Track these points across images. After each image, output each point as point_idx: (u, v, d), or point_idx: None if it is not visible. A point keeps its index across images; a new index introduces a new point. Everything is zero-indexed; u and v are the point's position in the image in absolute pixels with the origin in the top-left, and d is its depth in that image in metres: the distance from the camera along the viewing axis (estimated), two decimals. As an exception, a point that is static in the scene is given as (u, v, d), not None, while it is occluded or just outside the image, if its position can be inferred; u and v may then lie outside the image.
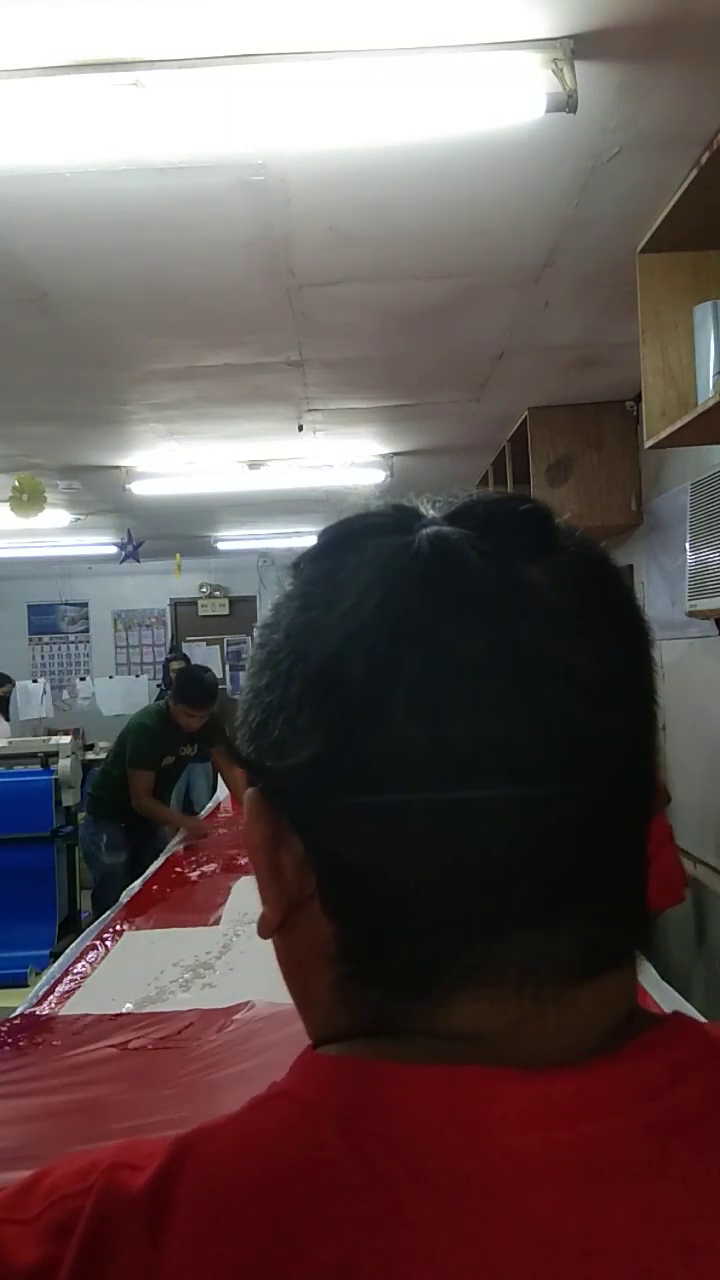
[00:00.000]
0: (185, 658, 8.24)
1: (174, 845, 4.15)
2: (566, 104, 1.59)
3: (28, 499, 4.31)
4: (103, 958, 2.69)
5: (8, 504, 4.45)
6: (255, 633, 0.44)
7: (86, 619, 9.42)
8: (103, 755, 5.35)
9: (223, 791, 5.29)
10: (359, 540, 0.40)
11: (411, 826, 0.36)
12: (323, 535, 0.43)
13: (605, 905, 0.39)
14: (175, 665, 7.90)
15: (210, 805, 5.10)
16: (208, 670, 4.63)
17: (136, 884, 3.51)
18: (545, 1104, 0.35)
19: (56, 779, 4.96)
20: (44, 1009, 2.31)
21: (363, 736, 0.36)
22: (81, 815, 4.83)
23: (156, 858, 4.12)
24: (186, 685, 4.35)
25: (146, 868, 3.87)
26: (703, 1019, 0.43)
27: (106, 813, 4.43)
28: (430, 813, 0.35)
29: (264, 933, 0.42)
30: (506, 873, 0.36)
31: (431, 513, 0.42)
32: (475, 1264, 0.33)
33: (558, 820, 0.36)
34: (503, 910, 0.37)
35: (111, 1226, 0.37)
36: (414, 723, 0.35)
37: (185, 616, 9.43)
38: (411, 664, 0.36)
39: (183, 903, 3.25)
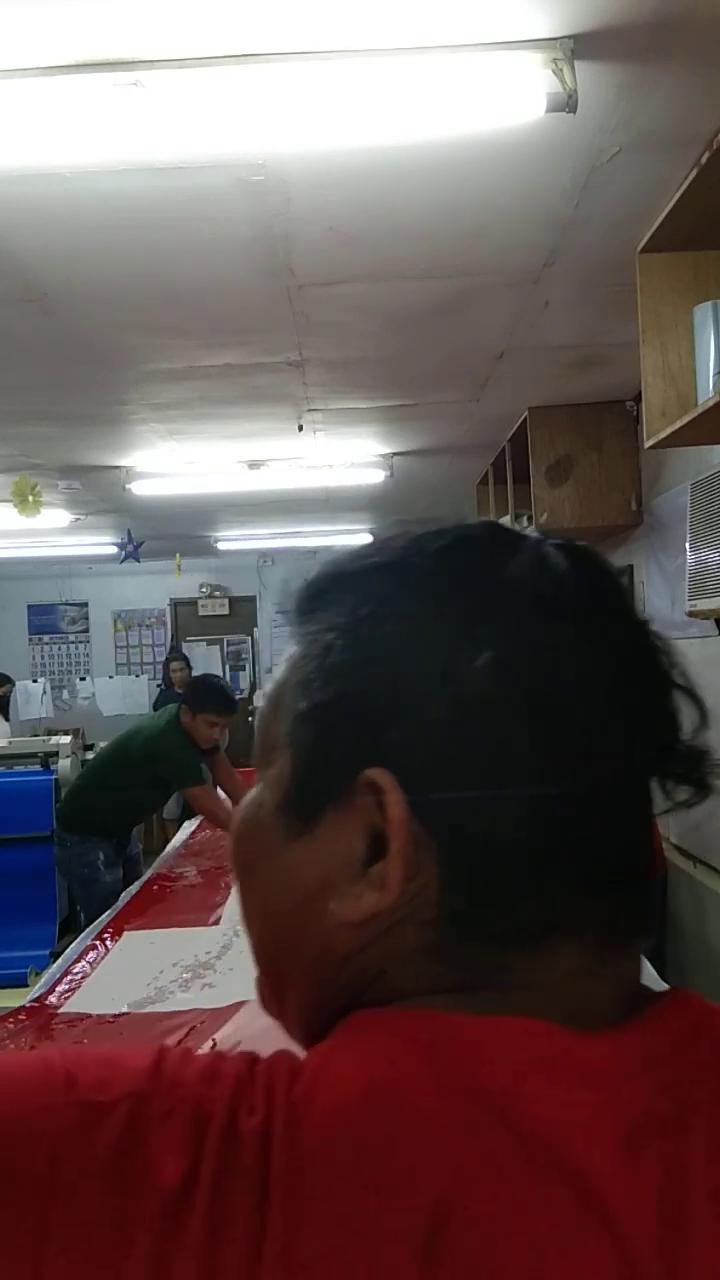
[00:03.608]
0: (185, 658, 8.24)
1: (160, 862, 3.97)
2: (566, 104, 1.59)
3: (21, 501, 4.30)
4: (103, 958, 2.69)
5: (8, 504, 4.45)
6: (336, 635, 0.45)
7: (86, 619, 9.42)
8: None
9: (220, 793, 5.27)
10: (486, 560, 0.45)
11: (544, 808, 0.41)
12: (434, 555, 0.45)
13: (643, 874, 0.45)
14: (175, 665, 7.91)
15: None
16: (220, 678, 4.51)
17: (134, 887, 3.50)
18: (601, 1062, 0.40)
19: (56, 779, 4.97)
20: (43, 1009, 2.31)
21: (516, 740, 0.41)
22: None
23: (138, 870, 3.98)
24: (209, 693, 4.02)
25: (132, 882, 3.73)
26: None
27: (95, 829, 4.05)
28: (559, 795, 0.41)
29: (381, 903, 0.42)
30: (603, 841, 0.42)
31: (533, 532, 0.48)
32: (541, 1213, 0.36)
33: (637, 797, 0.44)
34: (600, 872, 0.42)
35: (237, 1157, 0.38)
36: (557, 725, 0.41)
37: (185, 616, 9.43)
38: (564, 673, 0.42)
39: (183, 903, 3.25)
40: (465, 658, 0.41)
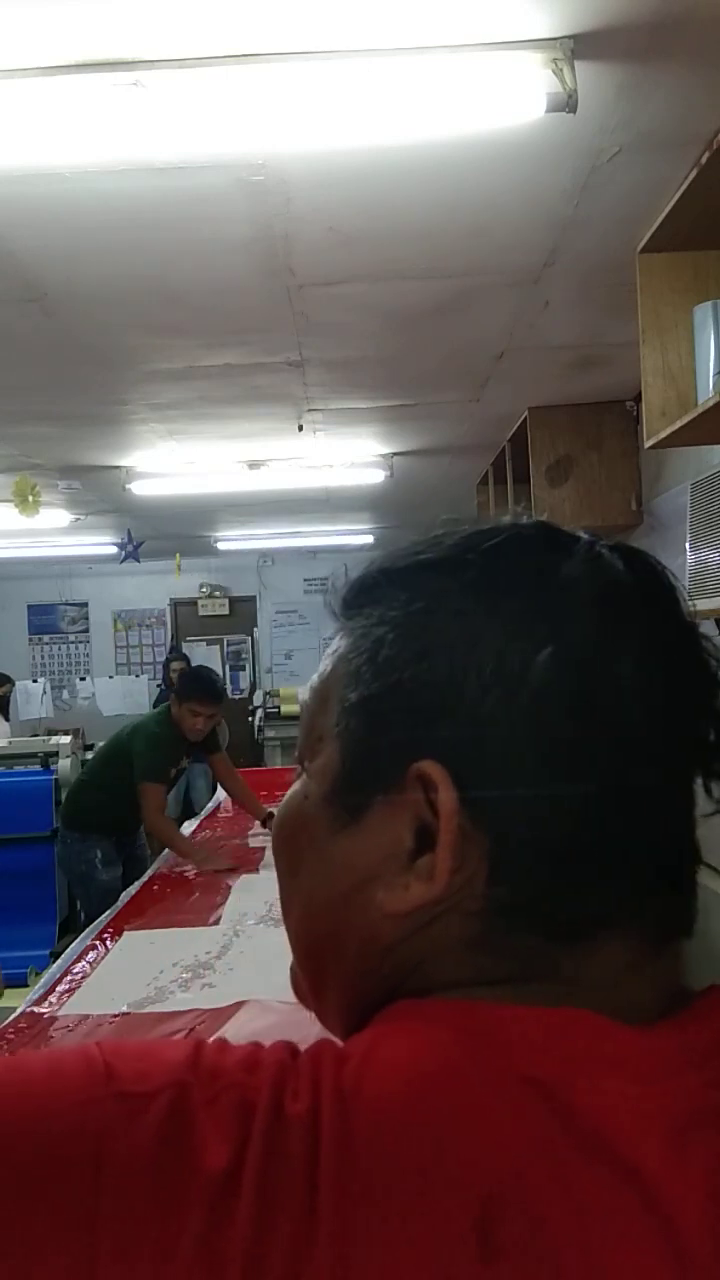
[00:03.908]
0: (185, 658, 8.23)
1: (161, 861, 3.86)
2: (566, 104, 1.59)
3: (22, 501, 4.30)
4: (103, 958, 2.69)
5: (7, 504, 4.45)
6: (385, 631, 0.46)
7: (86, 619, 9.42)
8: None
9: (220, 793, 5.26)
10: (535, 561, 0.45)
11: (597, 805, 0.41)
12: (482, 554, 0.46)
13: (687, 873, 0.45)
14: (175, 666, 7.90)
15: (210, 807, 5.08)
16: (210, 669, 4.49)
17: (133, 887, 3.49)
18: (647, 1056, 0.40)
19: (56, 779, 4.97)
20: (44, 1009, 2.31)
21: (570, 737, 0.41)
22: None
23: (142, 868, 3.91)
24: (192, 682, 4.00)
25: (134, 880, 3.66)
26: None
27: (94, 826, 4.03)
28: (613, 792, 0.42)
29: (430, 894, 0.43)
30: (651, 839, 0.43)
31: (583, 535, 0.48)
32: (593, 1201, 0.36)
33: (684, 796, 0.44)
34: (647, 869, 0.43)
35: (284, 1141, 0.38)
36: (615, 723, 0.42)
37: (185, 616, 9.43)
38: (621, 673, 0.42)
39: (182, 903, 3.25)
40: (520, 654, 0.42)
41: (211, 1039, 0.43)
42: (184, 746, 3.98)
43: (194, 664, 8.37)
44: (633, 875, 0.43)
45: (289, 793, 0.51)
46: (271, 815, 4.12)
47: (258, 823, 4.18)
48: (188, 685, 3.98)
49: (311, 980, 0.50)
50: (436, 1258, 0.35)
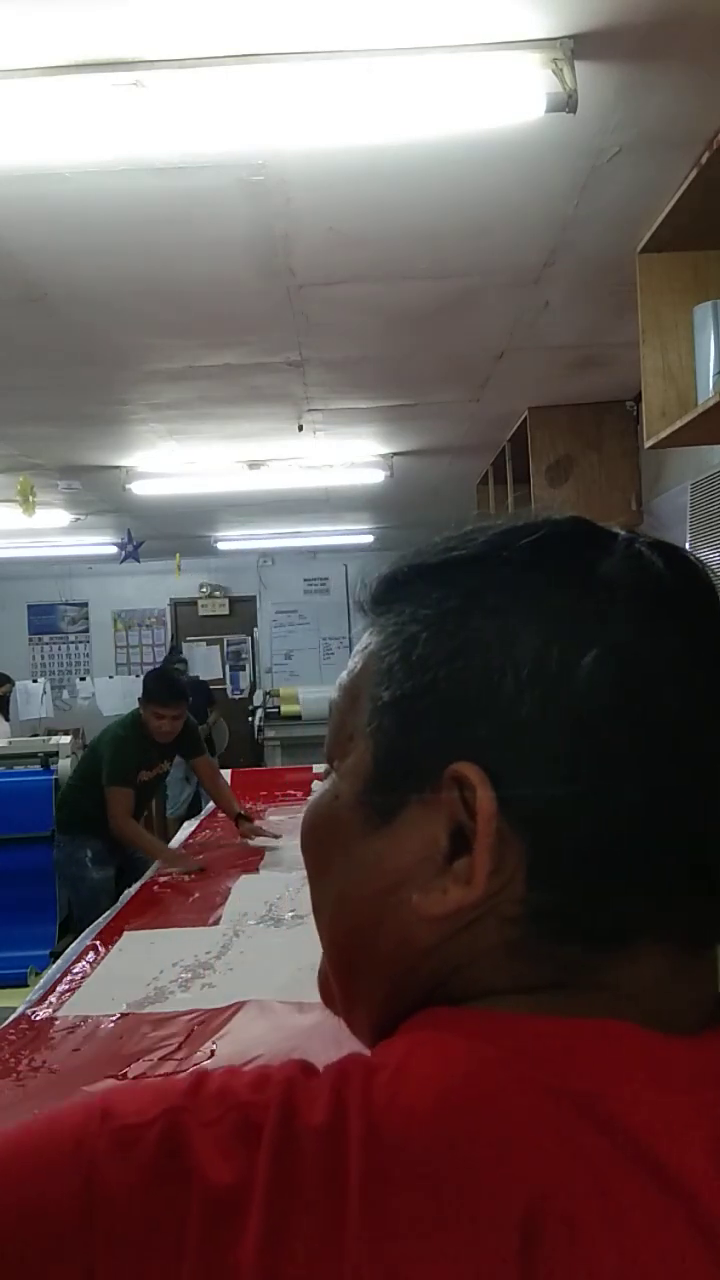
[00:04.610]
0: (184, 661, 8.23)
1: (153, 871, 3.80)
2: (566, 104, 1.59)
3: (23, 501, 4.30)
4: (103, 958, 2.69)
5: (7, 504, 4.46)
6: (419, 630, 0.45)
7: (86, 619, 9.42)
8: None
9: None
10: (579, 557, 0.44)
11: (638, 808, 0.41)
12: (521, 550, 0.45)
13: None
14: (175, 668, 7.90)
15: (209, 807, 5.07)
16: (180, 671, 4.42)
17: (131, 889, 3.48)
18: (687, 1066, 0.40)
19: (56, 779, 4.96)
20: (44, 1009, 2.31)
21: (612, 739, 0.40)
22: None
23: (142, 869, 3.84)
24: (153, 684, 3.96)
25: (132, 883, 3.61)
26: None
27: (86, 828, 3.97)
28: (655, 795, 0.41)
29: (468, 897, 0.42)
30: (694, 844, 0.41)
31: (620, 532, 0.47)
32: (634, 1210, 0.36)
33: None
34: (689, 875, 0.42)
35: (298, 1152, 0.37)
36: (657, 727, 0.41)
37: (185, 616, 9.43)
38: (664, 679, 0.41)
39: (182, 903, 3.25)
40: (561, 654, 0.41)
41: (216, 1067, 0.42)
42: (154, 749, 3.94)
43: (194, 664, 8.38)
44: (673, 880, 0.42)
45: (318, 792, 0.50)
46: (242, 815, 4.09)
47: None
48: (148, 687, 3.96)
49: (343, 983, 0.49)
50: (476, 1271, 0.35)
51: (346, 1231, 0.35)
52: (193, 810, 6.48)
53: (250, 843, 3.90)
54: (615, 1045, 0.40)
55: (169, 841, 4.50)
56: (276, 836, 3.88)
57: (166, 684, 3.98)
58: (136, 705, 3.98)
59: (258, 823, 4.05)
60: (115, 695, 8.92)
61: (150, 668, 9.20)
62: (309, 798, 0.51)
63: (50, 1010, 2.30)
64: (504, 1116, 0.37)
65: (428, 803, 0.43)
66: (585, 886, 0.41)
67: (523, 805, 0.41)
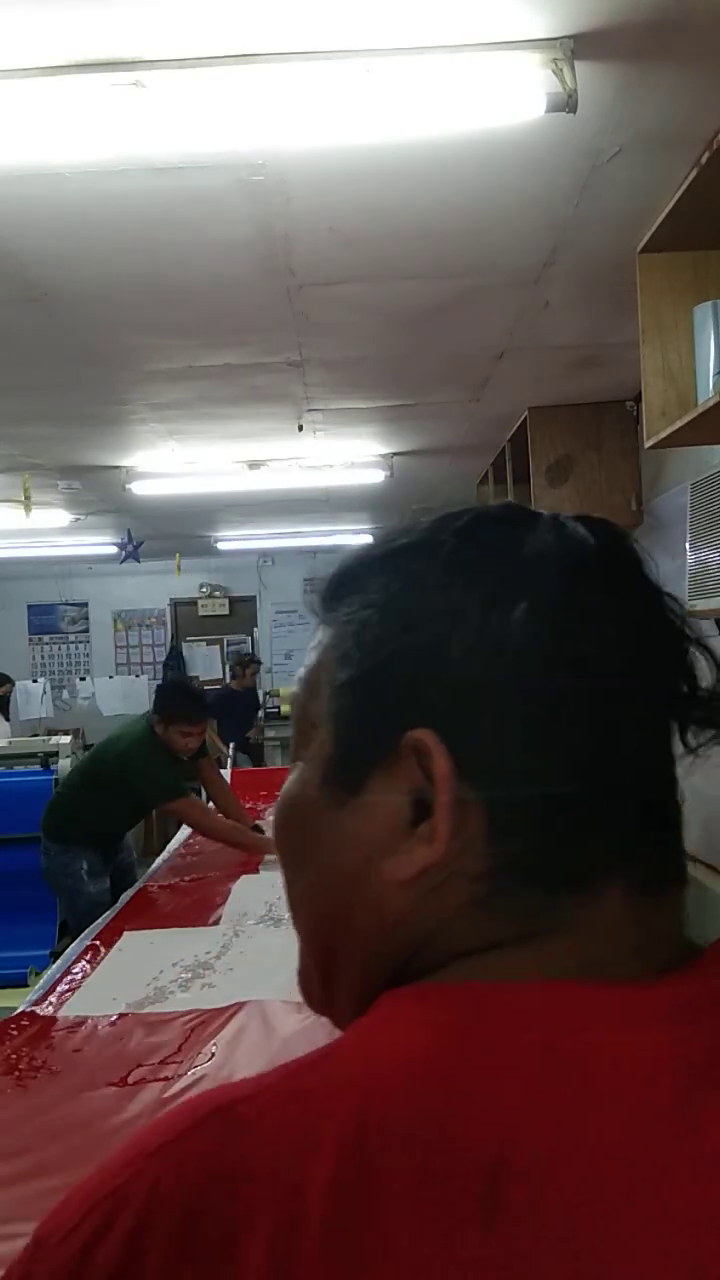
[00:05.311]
0: (179, 663, 8.21)
1: (151, 872, 3.72)
2: (566, 104, 1.59)
3: (22, 500, 4.31)
4: (103, 958, 2.69)
5: (7, 504, 4.46)
6: (371, 611, 0.47)
7: (86, 619, 9.42)
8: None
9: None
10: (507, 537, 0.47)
11: (587, 751, 0.43)
12: (460, 533, 0.48)
13: (675, 819, 0.46)
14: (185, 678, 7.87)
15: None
16: (191, 679, 4.30)
17: (127, 895, 3.46)
18: (650, 1006, 0.41)
19: (56, 779, 4.96)
20: (44, 1009, 2.31)
21: (552, 690, 0.43)
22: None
23: (131, 878, 3.79)
24: (175, 702, 3.69)
25: (123, 891, 3.55)
26: None
27: (79, 838, 3.78)
28: (602, 737, 0.43)
29: (431, 856, 0.44)
30: (636, 785, 0.44)
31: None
32: (606, 1148, 0.36)
33: (664, 744, 0.46)
34: (635, 816, 0.44)
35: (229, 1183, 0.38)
36: (597, 676, 0.43)
37: (185, 616, 9.43)
38: (593, 632, 0.44)
39: (182, 903, 3.25)
40: (499, 618, 0.43)
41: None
42: (181, 762, 3.75)
43: (194, 665, 8.37)
44: (624, 821, 0.44)
45: (285, 785, 0.51)
46: (256, 826, 4.04)
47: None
48: (170, 706, 3.68)
49: (323, 969, 0.50)
50: (440, 1233, 0.35)
51: (310, 1212, 0.36)
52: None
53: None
54: (573, 996, 0.41)
55: (167, 842, 4.50)
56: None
57: (194, 700, 3.74)
58: (146, 721, 3.73)
59: (261, 822, 4.03)
60: (115, 695, 8.93)
61: (150, 668, 9.24)
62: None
63: (50, 1010, 2.30)
64: (463, 1078, 0.38)
65: (389, 773, 0.45)
66: (544, 835, 0.43)
67: (477, 762, 0.43)
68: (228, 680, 8.11)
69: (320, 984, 0.51)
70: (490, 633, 0.43)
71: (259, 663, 7.70)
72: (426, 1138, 0.37)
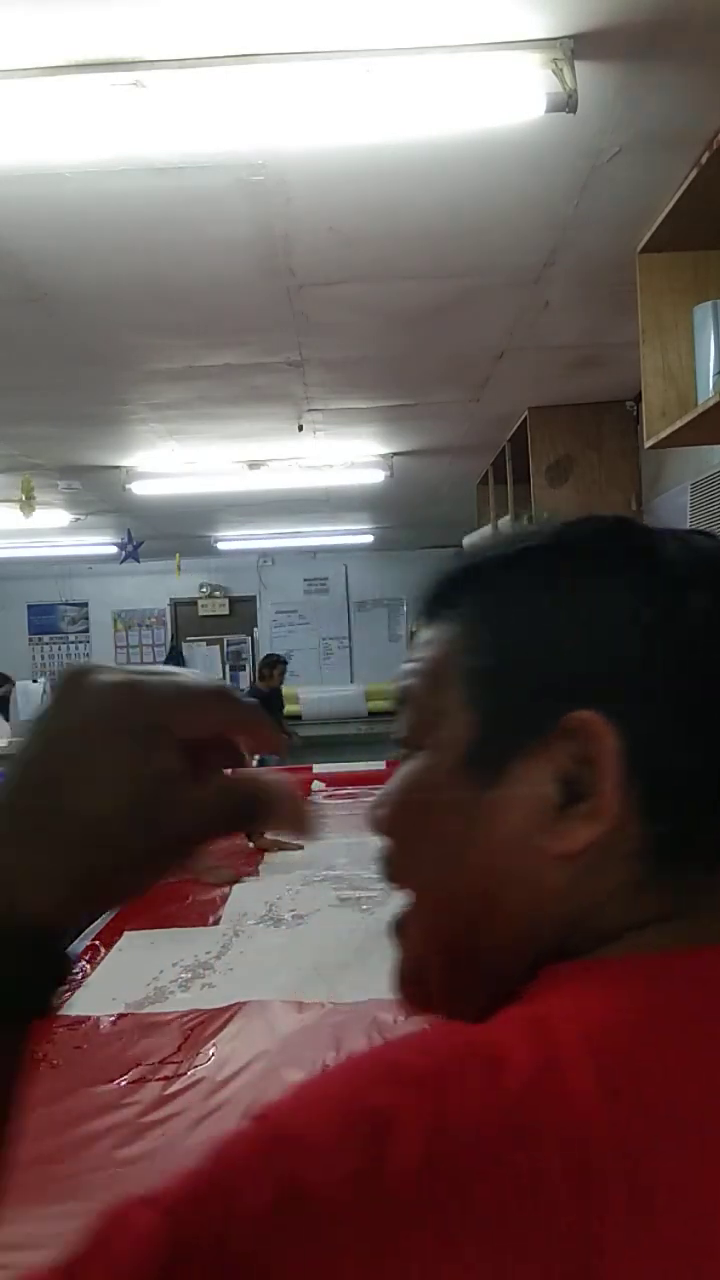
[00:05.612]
0: (179, 662, 8.19)
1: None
2: (566, 104, 1.59)
3: (24, 500, 4.31)
4: (103, 957, 2.69)
5: (7, 504, 4.46)
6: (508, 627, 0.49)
7: (86, 619, 9.42)
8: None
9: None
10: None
11: None
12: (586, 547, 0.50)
13: None
14: None
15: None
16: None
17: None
18: None
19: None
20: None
21: (710, 675, 0.45)
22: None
23: None
24: None
25: None
26: None
27: None
28: None
29: (598, 830, 0.45)
30: None
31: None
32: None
33: None
34: None
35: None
36: None
37: (185, 616, 9.43)
38: None
39: (182, 903, 3.25)
40: (659, 609, 0.46)
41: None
42: None
43: (193, 665, 8.35)
44: None
45: (404, 774, 0.51)
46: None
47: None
48: None
49: (453, 957, 0.49)
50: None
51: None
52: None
53: (271, 854, 3.77)
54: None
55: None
56: (299, 847, 3.74)
57: None
58: None
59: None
60: (115, 695, 8.92)
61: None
62: (390, 782, 0.52)
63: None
64: (681, 1035, 0.39)
65: (540, 755, 0.46)
66: (699, 814, 0.45)
67: (638, 744, 0.45)
68: (256, 682, 8.10)
69: (445, 976, 0.49)
70: (649, 622, 0.46)
71: (285, 663, 7.69)
72: (672, 1086, 0.37)
